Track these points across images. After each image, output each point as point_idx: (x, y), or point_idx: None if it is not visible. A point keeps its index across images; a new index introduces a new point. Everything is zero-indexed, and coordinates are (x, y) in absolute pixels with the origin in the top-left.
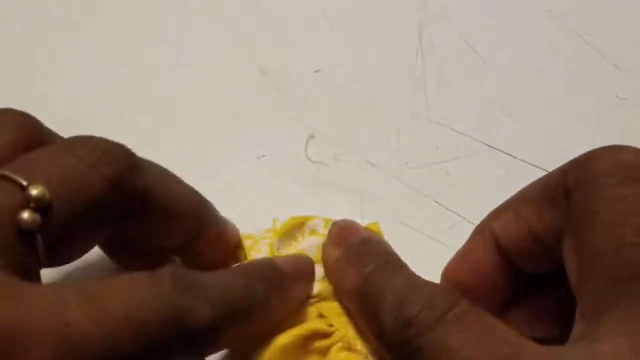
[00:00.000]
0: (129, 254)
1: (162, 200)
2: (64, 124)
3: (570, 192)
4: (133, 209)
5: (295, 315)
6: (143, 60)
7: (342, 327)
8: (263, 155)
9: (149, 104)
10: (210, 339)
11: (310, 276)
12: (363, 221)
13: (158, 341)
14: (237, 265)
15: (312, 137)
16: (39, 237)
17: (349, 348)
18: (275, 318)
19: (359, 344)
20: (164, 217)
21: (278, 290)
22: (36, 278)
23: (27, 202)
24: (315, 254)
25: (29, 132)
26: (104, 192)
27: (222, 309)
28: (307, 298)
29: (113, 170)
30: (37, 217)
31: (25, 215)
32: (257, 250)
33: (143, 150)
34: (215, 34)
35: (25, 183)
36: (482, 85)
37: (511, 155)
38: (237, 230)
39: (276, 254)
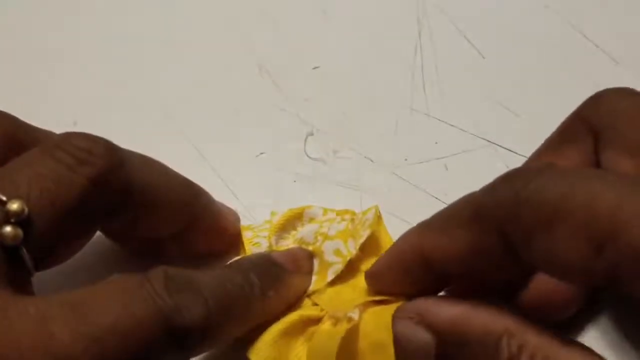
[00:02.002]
0: (127, 242)
1: (148, 193)
2: (60, 123)
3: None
4: (118, 204)
5: (293, 309)
6: (141, 58)
7: (333, 309)
8: (262, 153)
9: (147, 102)
10: (204, 337)
11: (308, 270)
12: None
13: (149, 345)
14: (235, 260)
15: (311, 134)
16: (23, 249)
17: (336, 323)
18: (273, 312)
19: (343, 313)
20: (151, 209)
21: (276, 284)
22: (27, 287)
23: (8, 217)
24: (312, 241)
25: (12, 132)
26: (87, 193)
27: (217, 307)
28: (304, 291)
29: (94, 170)
30: (19, 231)
31: (7, 230)
32: (256, 244)
33: (141, 148)
34: (214, 31)
35: (4, 198)
36: (481, 81)
37: (511, 151)
38: (236, 217)
39: (274, 249)
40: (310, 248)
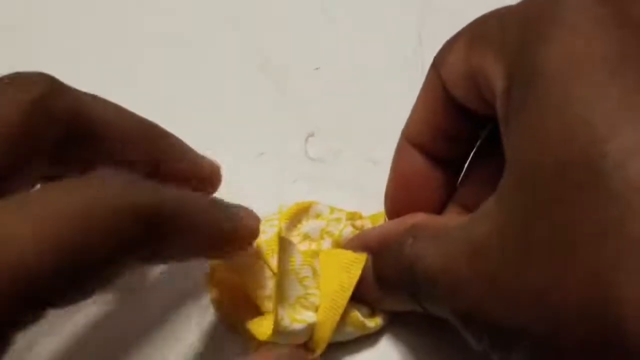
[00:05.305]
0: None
1: (97, 125)
2: None
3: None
4: (66, 133)
5: None
6: (141, 56)
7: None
8: (262, 153)
9: (147, 101)
10: (172, 222)
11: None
12: None
13: (115, 233)
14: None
15: (312, 134)
16: None
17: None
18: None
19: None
20: (102, 143)
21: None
22: None
23: None
24: (317, 238)
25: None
26: (25, 119)
27: (176, 202)
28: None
29: (31, 95)
30: None
31: None
32: (262, 233)
33: None
34: (214, 30)
35: None
36: None
37: None
38: (216, 166)
39: (284, 235)
40: (314, 245)
